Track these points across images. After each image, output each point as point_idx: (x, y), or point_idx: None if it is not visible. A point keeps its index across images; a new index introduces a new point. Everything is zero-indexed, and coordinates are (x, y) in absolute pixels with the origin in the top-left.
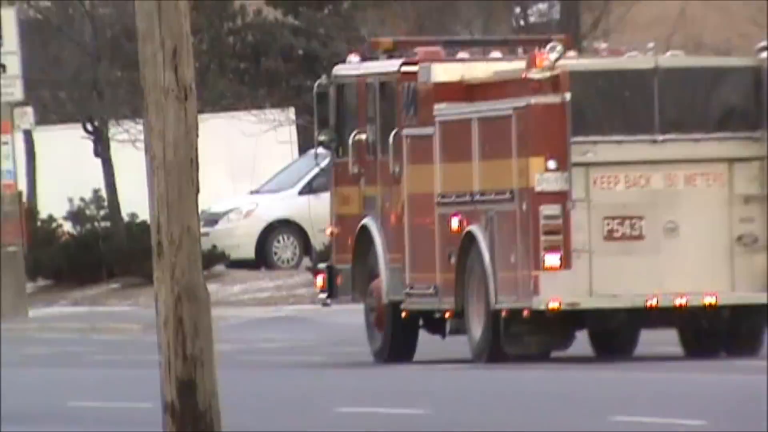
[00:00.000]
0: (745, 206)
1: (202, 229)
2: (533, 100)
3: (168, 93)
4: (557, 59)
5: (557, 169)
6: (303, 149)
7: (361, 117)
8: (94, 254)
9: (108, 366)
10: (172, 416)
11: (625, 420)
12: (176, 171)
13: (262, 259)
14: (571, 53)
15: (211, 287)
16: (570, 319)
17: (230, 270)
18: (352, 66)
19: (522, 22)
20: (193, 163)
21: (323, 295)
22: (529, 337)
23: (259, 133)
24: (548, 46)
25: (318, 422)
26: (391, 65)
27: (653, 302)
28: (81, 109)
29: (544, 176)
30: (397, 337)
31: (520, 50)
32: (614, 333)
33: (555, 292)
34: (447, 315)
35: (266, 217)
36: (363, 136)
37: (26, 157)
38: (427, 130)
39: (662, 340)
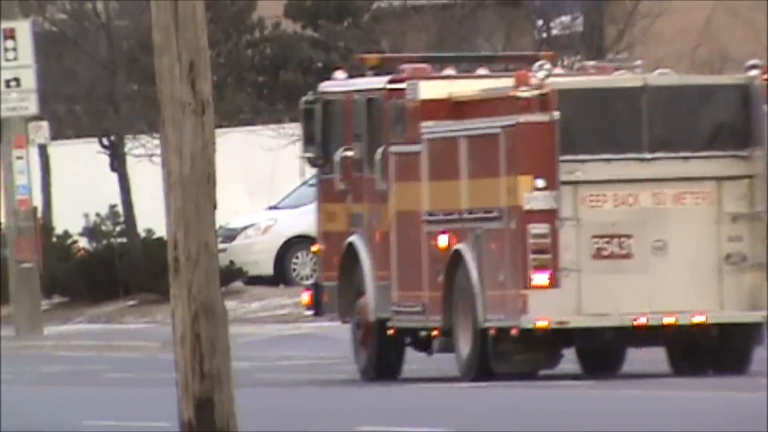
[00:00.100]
0: (733, 225)
1: (220, 245)
2: (522, 118)
3: (185, 107)
4: (546, 77)
5: (546, 188)
6: None
7: (348, 134)
8: (110, 271)
9: (124, 384)
10: None
11: None
12: (193, 186)
13: (281, 275)
14: (559, 71)
15: (229, 304)
16: (558, 338)
17: (248, 286)
18: (339, 82)
19: (545, 35)
20: (211, 178)
21: (309, 313)
22: (517, 355)
23: (278, 148)
24: (536, 64)
25: None
26: (378, 82)
27: (642, 321)
28: (97, 123)
29: (533, 195)
30: (383, 354)
31: (507, 67)
32: (602, 351)
33: (543, 311)
34: (434, 333)
35: (285, 232)
36: (350, 153)
37: (41, 172)
38: (414, 148)
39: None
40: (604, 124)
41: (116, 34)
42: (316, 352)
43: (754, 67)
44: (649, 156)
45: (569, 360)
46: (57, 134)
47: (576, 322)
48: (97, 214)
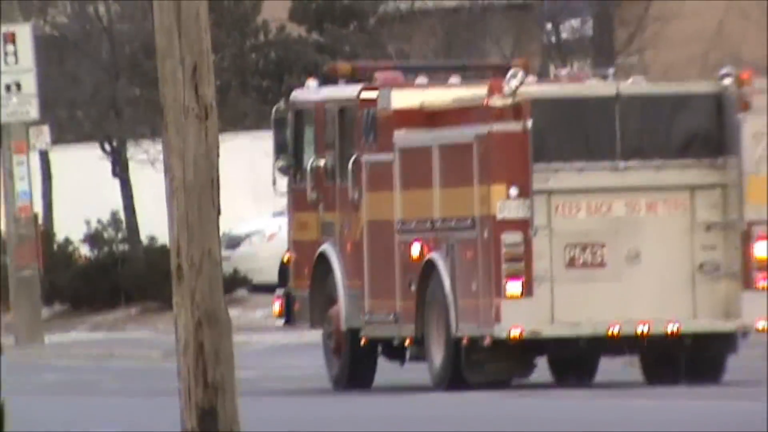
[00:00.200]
0: (706, 233)
1: (224, 253)
2: (495, 127)
3: (188, 112)
4: (518, 86)
5: (519, 197)
6: None
7: (319, 143)
8: (112, 278)
9: (126, 394)
10: None
11: None
12: (197, 192)
13: (286, 283)
14: (531, 79)
15: (233, 312)
16: (531, 347)
17: (252, 294)
18: (310, 91)
19: (554, 39)
20: (214, 184)
21: (280, 321)
22: (490, 364)
23: None
24: (509, 73)
25: None
26: (350, 91)
27: (615, 330)
28: (98, 128)
29: (506, 203)
30: (355, 364)
31: (479, 76)
32: (575, 360)
33: (516, 320)
34: (407, 342)
35: None
36: (321, 162)
37: (42, 178)
38: (386, 157)
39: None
40: (577, 133)
41: (118, 37)
42: (321, 361)
43: (727, 75)
44: (622, 165)
45: (542, 369)
46: (58, 139)
47: (549, 331)
48: (99, 221)
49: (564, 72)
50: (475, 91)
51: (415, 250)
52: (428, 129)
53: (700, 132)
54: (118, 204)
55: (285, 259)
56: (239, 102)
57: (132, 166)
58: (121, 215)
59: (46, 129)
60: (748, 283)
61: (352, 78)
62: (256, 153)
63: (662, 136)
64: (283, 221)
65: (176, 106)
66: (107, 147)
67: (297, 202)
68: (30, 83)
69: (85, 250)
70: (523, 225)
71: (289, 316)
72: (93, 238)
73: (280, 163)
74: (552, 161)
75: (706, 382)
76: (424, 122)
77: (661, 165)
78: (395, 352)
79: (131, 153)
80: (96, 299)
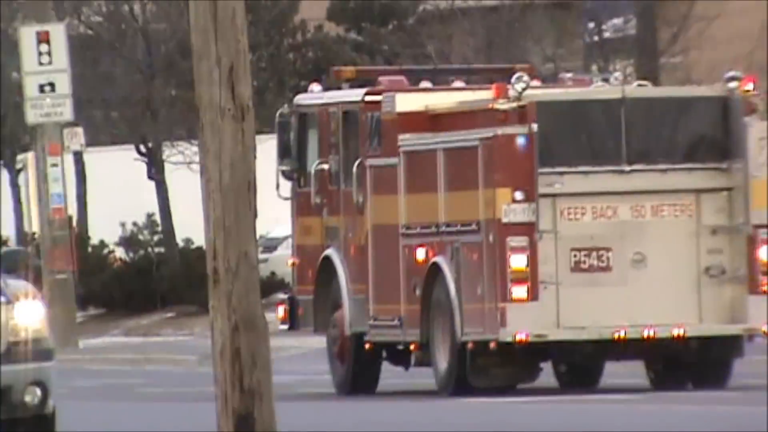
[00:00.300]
0: (712, 237)
1: (261, 255)
2: (500, 130)
3: (224, 112)
4: (524, 90)
5: (524, 201)
6: None
7: (323, 147)
8: (148, 282)
9: (162, 399)
10: None
11: None
12: (233, 194)
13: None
14: (536, 83)
15: (270, 316)
16: (537, 351)
17: None
18: (314, 95)
19: (596, 38)
20: (251, 186)
21: (284, 327)
22: (495, 369)
23: None
24: (514, 77)
25: None
26: (354, 95)
27: (621, 334)
28: (134, 129)
29: (511, 207)
30: (360, 369)
31: (484, 80)
32: (580, 365)
33: (522, 324)
34: (412, 347)
35: None
36: (325, 166)
37: (76, 180)
38: (391, 161)
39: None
40: (583, 137)
41: (154, 37)
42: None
43: (733, 78)
44: (627, 168)
45: (548, 373)
46: (93, 141)
47: (555, 335)
48: (134, 224)
49: (569, 76)
50: (480, 95)
51: (420, 254)
52: (433, 133)
53: (706, 136)
54: (153, 206)
55: (290, 264)
56: (276, 102)
57: (167, 168)
58: (157, 217)
59: (80, 130)
60: (753, 287)
61: (355, 82)
62: None
63: (668, 140)
64: None
65: (212, 107)
66: (142, 149)
67: (301, 207)
68: (64, 84)
69: (120, 253)
70: (529, 229)
71: (293, 321)
72: (128, 241)
73: (284, 167)
74: (557, 165)
75: (712, 386)
76: (429, 126)
77: (666, 169)
78: (400, 356)
79: (167, 155)
80: (131, 303)
